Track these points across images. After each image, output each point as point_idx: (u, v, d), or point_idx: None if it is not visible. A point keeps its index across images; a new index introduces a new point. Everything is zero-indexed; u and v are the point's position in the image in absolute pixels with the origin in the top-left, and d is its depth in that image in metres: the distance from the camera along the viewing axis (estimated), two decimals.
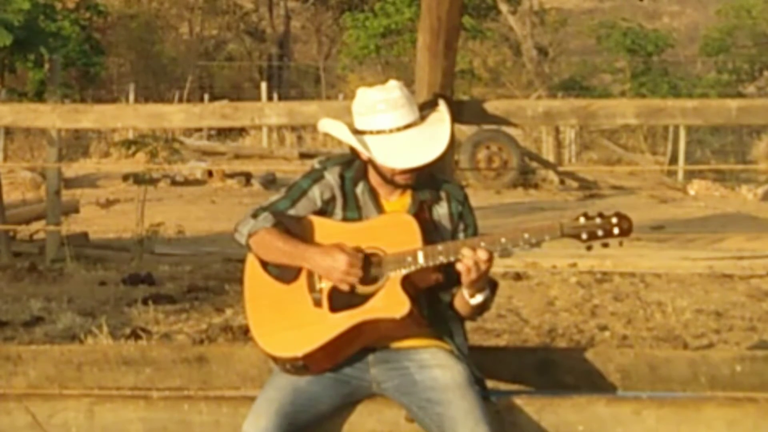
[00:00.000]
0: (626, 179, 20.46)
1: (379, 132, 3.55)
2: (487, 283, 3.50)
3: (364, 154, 3.57)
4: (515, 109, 4.26)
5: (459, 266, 3.42)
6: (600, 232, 3.43)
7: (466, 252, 3.41)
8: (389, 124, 3.54)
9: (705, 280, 9.19)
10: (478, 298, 3.51)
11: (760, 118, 4.39)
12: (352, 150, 3.64)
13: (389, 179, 3.59)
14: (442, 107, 3.67)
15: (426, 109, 3.68)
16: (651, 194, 18.67)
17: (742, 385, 3.95)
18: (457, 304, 3.57)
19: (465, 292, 3.50)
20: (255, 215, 3.58)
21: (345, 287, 3.44)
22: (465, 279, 3.44)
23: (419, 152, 3.52)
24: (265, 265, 3.57)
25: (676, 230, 12.79)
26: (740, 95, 27.53)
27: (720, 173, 20.62)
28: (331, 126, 3.69)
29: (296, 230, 3.55)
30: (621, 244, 3.45)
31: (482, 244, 3.46)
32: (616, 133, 25.49)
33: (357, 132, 3.58)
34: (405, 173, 3.55)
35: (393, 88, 3.58)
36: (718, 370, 3.99)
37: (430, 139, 3.55)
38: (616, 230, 3.43)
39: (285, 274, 3.54)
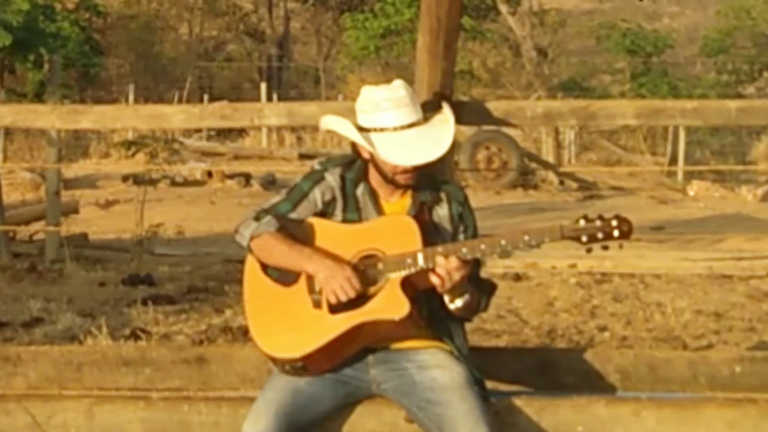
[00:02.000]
0: (626, 180, 20.44)
1: (382, 129, 3.54)
2: (466, 288, 3.50)
3: (366, 152, 3.57)
4: (515, 110, 4.25)
5: (432, 278, 3.43)
6: (600, 235, 3.44)
7: (440, 261, 3.41)
8: (393, 122, 3.54)
9: (704, 281, 9.19)
10: (458, 303, 3.52)
11: (760, 119, 4.39)
12: (354, 149, 3.64)
13: (390, 179, 3.58)
14: (446, 110, 3.67)
15: (428, 108, 3.68)
16: (651, 195, 18.67)
17: (742, 386, 3.94)
18: (446, 306, 3.57)
19: (444, 297, 3.51)
20: (257, 218, 3.57)
21: (333, 299, 3.44)
22: (439, 289, 3.46)
23: (422, 151, 3.52)
24: (264, 267, 3.56)
25: (675, 231, 12.77)
26: (740, 96, 27.48)
27: (720, 174, 20.60)
28: (334, 122, 3.68)
29: (297, 233, 3.55)
30: (621, 246, 3.46)
31: (482, 246, 3.47)
32: (616, 133, 25.48)
33: (360, 129, 3.58)
34: (406, 172, 3.55)
35: (398, 87, 3.58)
36: (717, 370, 3.99)
37: (433, 139, 3.56)
38: (616, 233, 3.43)
39: (285, 276, 3.54)
